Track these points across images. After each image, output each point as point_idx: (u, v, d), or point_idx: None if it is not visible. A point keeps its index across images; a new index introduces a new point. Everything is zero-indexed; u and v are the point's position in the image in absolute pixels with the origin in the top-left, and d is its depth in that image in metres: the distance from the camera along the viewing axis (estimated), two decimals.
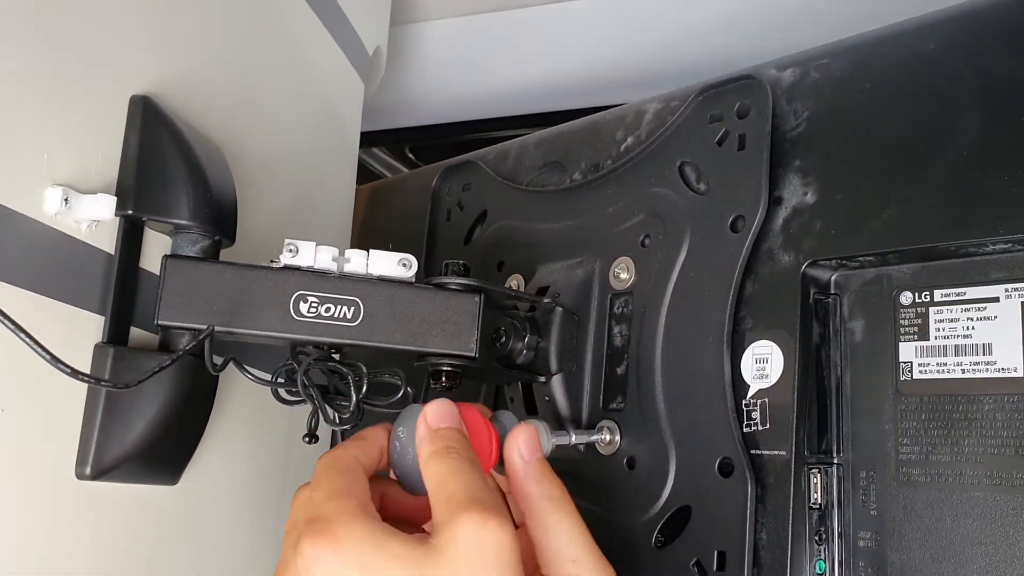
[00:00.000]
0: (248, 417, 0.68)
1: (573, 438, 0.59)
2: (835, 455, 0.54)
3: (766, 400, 0.55)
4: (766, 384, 0.55)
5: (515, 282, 0.70)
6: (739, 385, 0.56)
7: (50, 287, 0.50)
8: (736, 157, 0.59)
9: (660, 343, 0.60)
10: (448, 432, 0.48)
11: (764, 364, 0.55)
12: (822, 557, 0.53)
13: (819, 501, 0.53)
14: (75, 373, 0.41)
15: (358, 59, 0.87)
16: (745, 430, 0.55)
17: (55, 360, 0.40)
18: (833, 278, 0.56)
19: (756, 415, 0.55)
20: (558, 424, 0.64)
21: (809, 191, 0.56)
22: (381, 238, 0.86)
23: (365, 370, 0.55)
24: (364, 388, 0.54)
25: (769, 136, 0.57)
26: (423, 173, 0.86)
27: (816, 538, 0.53)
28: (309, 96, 0.78)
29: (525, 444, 0.49)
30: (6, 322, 0.38)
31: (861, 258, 0.54)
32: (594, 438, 0.61)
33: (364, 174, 1.33)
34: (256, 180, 0.67)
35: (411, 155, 1.30)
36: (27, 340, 0.39)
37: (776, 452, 0.53)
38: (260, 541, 0.70)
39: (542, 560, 0.48)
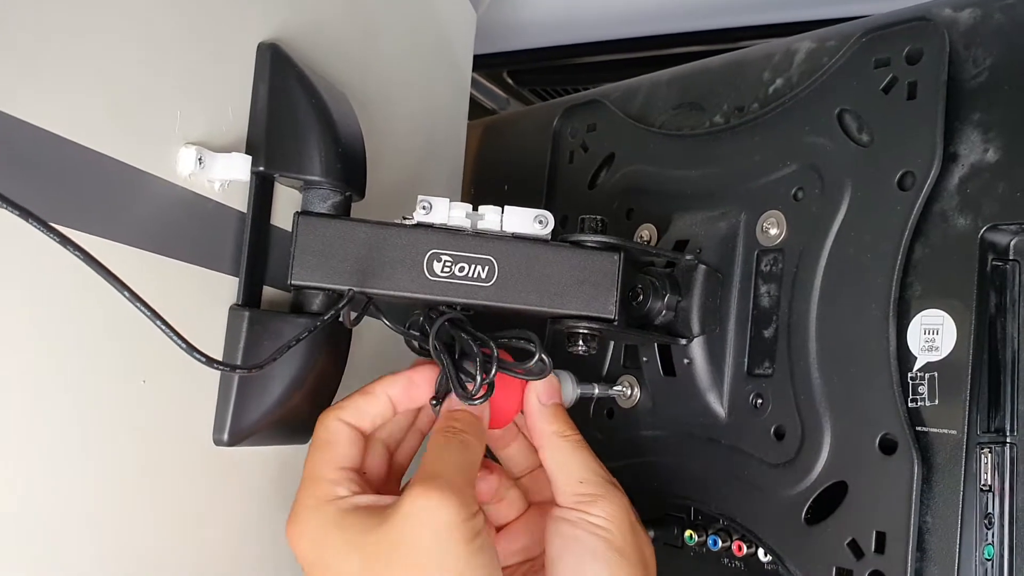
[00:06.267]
0: (377, 366, 0.66)
1: (596, 390, 0.62)
2: (1008, 434, 0.51)
3: (935, 374, 0.51)
4: (936, 357, 0.51)
5: (646, 232, 0.66)
6: (904, 356, 0.52)
7: (184, 251, 0.48)
8: (905, 107, 0.54)
9: (815, 307, 0.56)
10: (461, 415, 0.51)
11: (934, 335, 0.51)
12: (991, 542, 0.50)
13: (989, 483, 0.50)
14: (211, 361, 0.39)
15: None
16: (910, 405, 0.51)
17: (191, 348, 0.38)
18: (1013, 242, 0.51)
19: (923, 389, 0.51)
20: (710, 390, 0.61)
21: (991, 148, 0.51)
22: (495, 178, 0.82)
23: (496, 352, 0.52)
24: (494, 371, 0.51)
25: (945, 85, 0.52)
26: (540, 110, 0.81)
27: (985, 522, 0.50)
28: (424, 30, 0.74)
29: (544, 390, 0.54)
30: (144, 311, 0.36)
31: None
32: (614, 391, 0.65)
33: None
34: (378, 124, 0.64)
35: (509, 80, 1.26)
36: (166, 330, 0.37)
37: (946, 430, 0.50)
38: None
39: (556, 491, 0.52)
